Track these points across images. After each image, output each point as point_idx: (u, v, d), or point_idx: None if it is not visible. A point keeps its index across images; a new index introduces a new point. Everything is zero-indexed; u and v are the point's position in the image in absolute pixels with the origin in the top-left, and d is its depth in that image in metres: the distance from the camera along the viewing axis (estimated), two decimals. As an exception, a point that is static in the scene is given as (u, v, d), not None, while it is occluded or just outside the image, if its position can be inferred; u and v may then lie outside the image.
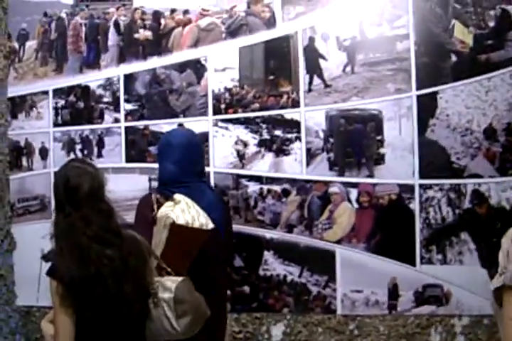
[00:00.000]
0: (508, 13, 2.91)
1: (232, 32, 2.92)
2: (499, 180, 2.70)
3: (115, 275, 1.67)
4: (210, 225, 2.03)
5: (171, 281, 1.89)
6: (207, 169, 2.66)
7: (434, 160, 2.76)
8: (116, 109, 3.02)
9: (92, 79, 3.09)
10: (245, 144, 2.83)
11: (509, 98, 2.67)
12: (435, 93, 2.80)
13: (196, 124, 2.91)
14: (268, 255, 2.81)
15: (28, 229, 3.13)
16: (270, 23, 2.86)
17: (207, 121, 2.90)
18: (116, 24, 3.05)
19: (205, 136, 2.86)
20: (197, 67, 2.95)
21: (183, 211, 1.96)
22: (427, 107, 2.82)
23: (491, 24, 2.86)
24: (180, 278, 1.93)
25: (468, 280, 2.70)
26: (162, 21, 2.99)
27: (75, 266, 1.62)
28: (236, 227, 2.71)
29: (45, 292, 1.81)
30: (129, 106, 3.01)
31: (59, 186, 1.71)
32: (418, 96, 2.79)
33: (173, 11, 3.08)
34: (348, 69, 2.79)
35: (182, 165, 2.18)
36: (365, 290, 2.79)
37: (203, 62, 2.93)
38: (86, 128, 3.10)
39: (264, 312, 2.95)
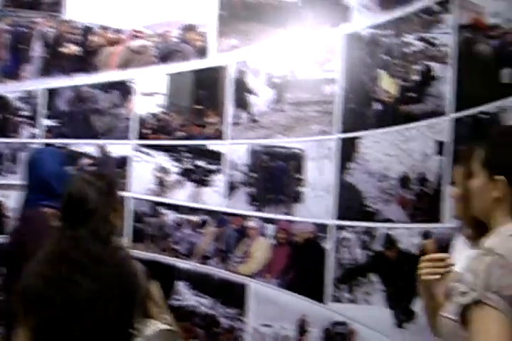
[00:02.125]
0: (431, 69, 3.08)
1: (164, 57, 2.89)
2: (409, 226, 2.83)
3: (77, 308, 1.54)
4: None
5: (154, 327, 1.78)
6: (125, 194, 2.60)
7: (350, 203, 2.85)
8: (35, 124, 2.88)
9: (10, 89, 2.95)
10: (166, 172, 2.79)
11: (425, 149, 2.82)
12: (357, 138, 2.90)
13: (117, 147, 2.84)
14: (181, 285, 2.78)
15: None
16: (202, 52, 2.85)
17: (128, 145, 2.84)
18: (43, 35, 2.92)
19: (125, 161, 2.79)
20: (124, 89, 2.89)
21: None
22: (347, 151, 2.91)
23: (415, 78, 3.01)
24: (163, 327, 1.82)
25: (373, 319, 2.81)
26: (92, 37, 2.89)
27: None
28: (150, 256, 2.77)
29: None
30: (49, 123, 2.89)
31: (62, 198, 1.58)
32: (340, 139, 2.87)
33: (104, 28, 3.02)
34: (276, 106, 2.83)
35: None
36: (275, 324, 2.83)
37: (131, 84, 2.88)
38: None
39: (172, 344, 2.87)
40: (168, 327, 1.81)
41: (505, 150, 1.46)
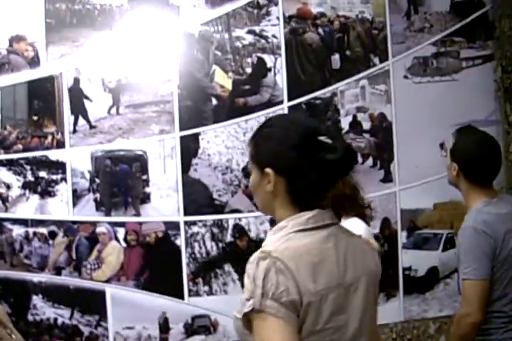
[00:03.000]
0: (264, 61, 3.19)
1: (-7, 70, 2.89)
2: (257, 215, 2.94)
3: None
4: None
5: None
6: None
7: (197, 198, 2.96)
8: None
9: None
10: (8, 186, 2.78)
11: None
12: (197, 134, 2.97)
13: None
14: (37, 299, 2.80)
15: None
16: (34, 62, 2.86)
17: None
18: None
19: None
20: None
21: None
22: (189, 147, 3.00)
23: (248, 70, 3.10)
24: None
25: (232, 308, 2.88)
26: None
27: None
28: (1, 273, 2.96)
29: None
30: None
31: None
32: (181, 137, 2.94)
33: None
34: (113, 110, 2.91)
35: None
36: (136, 326, 2.92)
37: (-42, 99, 2.87)
38: None
39: (35, 358, 2.92)
40: None
41: (266, 142, 1.49)
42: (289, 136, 1.44)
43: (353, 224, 2.19)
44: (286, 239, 1.42)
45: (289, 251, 1.39)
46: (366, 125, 3.49)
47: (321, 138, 1.43)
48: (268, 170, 1.44)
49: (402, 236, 3.53)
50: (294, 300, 1.35)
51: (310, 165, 1.42)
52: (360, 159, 3.50)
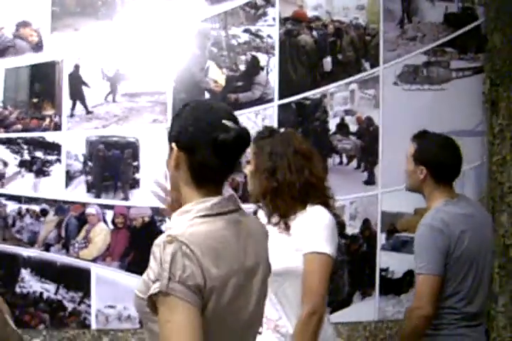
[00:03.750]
0: (257, 60, 3.35)
1: (-1, 53, 3.09)
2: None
3: None
4: None
5: None
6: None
7: (183, 186, 3.06)
8: None
9: None
10: (5, 164, 2.94)
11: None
12: (188, 125, 3.11)
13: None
14: (25, 273, 2.96)
15: None
16: (38, 47, 3.03)
17: (-35, 139, 3.02)
18: None
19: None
20: (-41, 85, 3.09)
21: None
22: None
23: (242, 68, 3.26)
24: None
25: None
26: None
27: None
28: None
29: None
30: None
31: None
32: (173, 127, 3.08)
33: None
34: (110, 98, 3.07)
35: None
36: (118, 305, 3.06)
37: (-35, 79, 3.07)
38: None
39: (20, 329, 3.03)
40: None
41: (176, 119, 1.61)
42: (194, 115, 1.56)
43: (318, 212, 2.35)
44: (191, 223, 1.49)
45: (193, 237, 1.45)
46: (353, 127, 3.63)
47: (225, 121, 1.53)
48: (173, 144, 1.56)
49: (381, 238, 3.68)
50: (199, 284, 1.42)
51: (205, 142, 1.51)
52: (345, 160, 3.66)
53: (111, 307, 3.31)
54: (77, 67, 3.32)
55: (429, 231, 2.43)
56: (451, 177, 2.57)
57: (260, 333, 2.19)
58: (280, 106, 3.48)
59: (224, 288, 1.49)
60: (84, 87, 3.31)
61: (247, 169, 2.43)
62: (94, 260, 3.30)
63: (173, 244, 1.42)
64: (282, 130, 2.62)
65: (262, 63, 3.48)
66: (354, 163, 3.63)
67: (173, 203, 1.69)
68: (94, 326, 3.31)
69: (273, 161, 2.31)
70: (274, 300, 2.28)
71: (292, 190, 2.29)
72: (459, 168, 2.60)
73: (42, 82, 3.31)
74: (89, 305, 3.30)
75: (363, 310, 3.63)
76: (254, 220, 1.77)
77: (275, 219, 2.32)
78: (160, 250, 1.43)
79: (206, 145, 1.51)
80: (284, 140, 2.37)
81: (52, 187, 3.27)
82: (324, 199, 2.42)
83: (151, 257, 1.45)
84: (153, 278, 1.42)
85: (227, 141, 1.51)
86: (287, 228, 2.30)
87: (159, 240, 1.46)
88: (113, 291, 3.29)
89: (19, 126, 3.27)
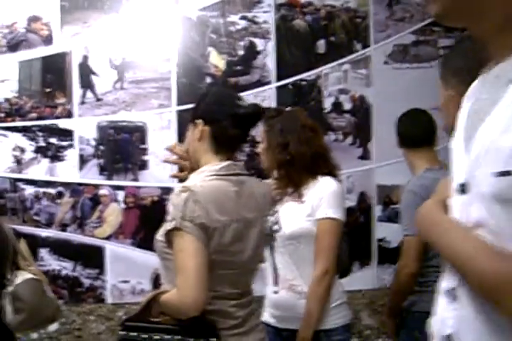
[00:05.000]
0: (255, 44, 3.54)
1: (12, 46, 3.27)
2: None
3: None
4: None
5: (22, 277, 2.01)
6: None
7: (190, 166, 3.28)
8: None
9: None
10: (22, 150, 3.16)
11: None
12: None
13: (-27, 130, 3.25)
14: (44, 252, 3.19)
15: None
16: (48, 40, 3.23)
17: (-17, 128, 3.26)
18: None
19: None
20: (-25, 77, 3.29)
21: None
22: (185, 121, 3.34)
23: (241, 53, 3.45)
24: (29, 276, 2.02)
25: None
26: None
27: None
28: (14, 227, 3.28)
29: None
30: None
31: None
32: (178, 111, 3.31)
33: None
34: (118, 85, 3.27)
35: None
36: (131, 280, 3.30)
37: (-20, 72, 3.28)
38: None
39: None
40: (34, 277, 2.06)
41: (202, 101, 2.02)
42: (215, 98, 1.99)
43: (328, 181, 2.59)
44: (202, 180, 1.89)
45: (203, 188, 1.84)
46: (347, 106, 3.85)
47: (239, 102, 1.99)
48: (198, 120, 1.95)
49: (377, 210, 3.91)
50: (205, 223, 1.80)
51: (227, 116, 1.93)
52: (340, 137, 3.87)
53: (125, 282, 3.55)
54: (85, 57, 3.55)
55: (411, 196, 2.61)
56: (416, 144, 2.72)
57: (277, 292, 2.51)
58: (278, 88, 3.70)
59: (225, 230, 1.85)
60: (93, 76, 3.54)
61: (260, 147, 2.68)
62: (107, 238, 3.55)
63: (187, 192, 1.79)
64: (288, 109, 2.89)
65: (259, 48, 3.70)
66: (349, 140, 3.84)
67: (187, 170, 2.09)
68: (109, 300, 3.57)
69: (284, 136, 2.53)
70: (289, 261, 2.52)
71: (304, 160, 2.51)
72: (424, 136, 2.75)
73: (53, 72, 3.54)
74: (104, 281, 3.56)
75: (362, 278, 3.86)
76: (260, 183, 2.11)
77: (290, 189, 2.57)
78: (176, 197, 1.81)
79: (228, 118, 1.92)
80: (292, 116, 2.61)
81: (67, 170, 3.50)
82: (332, 168, 2.67)
83: (170, 203, 1.83)
84: (170, 218, 1.79)
85: (247, 113, 1.94)
86: (301, 196, 2.54)
87: (176, 190, 1.85)
88: (126, 267, 3.54)
89: (34, 115, 3.50)
